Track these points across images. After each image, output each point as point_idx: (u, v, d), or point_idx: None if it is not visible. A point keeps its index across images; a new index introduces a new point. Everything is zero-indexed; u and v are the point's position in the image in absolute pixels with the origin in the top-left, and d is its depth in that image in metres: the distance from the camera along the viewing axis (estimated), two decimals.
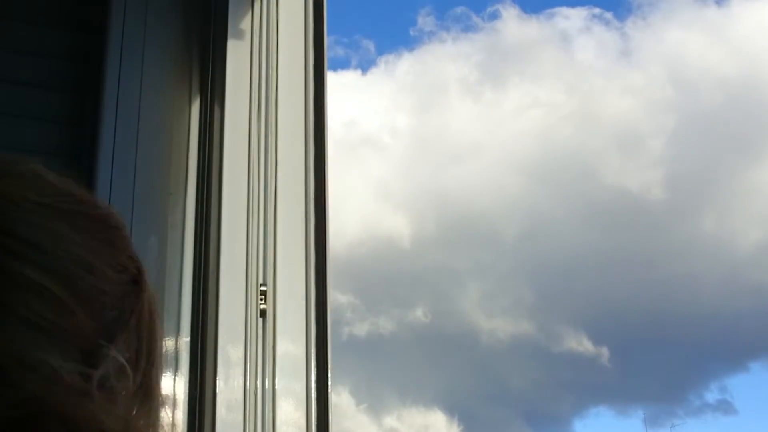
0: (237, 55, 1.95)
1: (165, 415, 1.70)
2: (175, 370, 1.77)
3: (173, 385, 1.76)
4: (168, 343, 1.79)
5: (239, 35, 1.97)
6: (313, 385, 1.75)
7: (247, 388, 1.71)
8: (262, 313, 1.77)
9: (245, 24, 1.99)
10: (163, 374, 1.77)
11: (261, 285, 1.77)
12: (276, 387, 1.72)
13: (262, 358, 1.73)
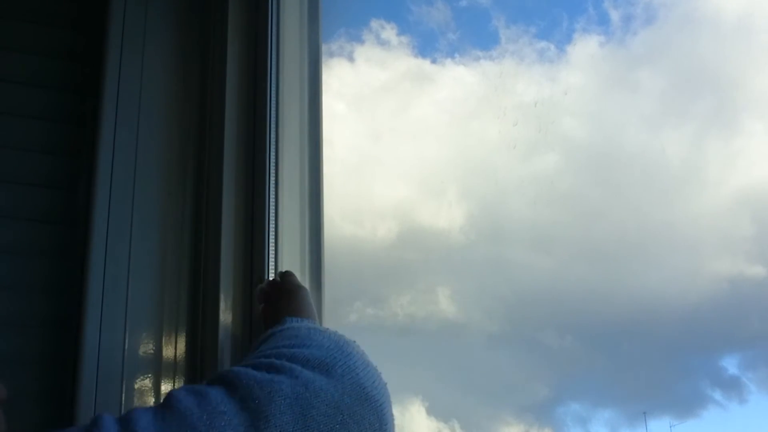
0: (237, 54, 1.96)
1: None
2: (174, 371, 1.77)
3: (173, 385, 1.76)
4: (167, 344, 1.79)
5: (239, 34, 1.97)
6: None
7: None
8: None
9: (245, 23, 1.99)
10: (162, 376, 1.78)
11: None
12: None
13: None
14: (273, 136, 1.88)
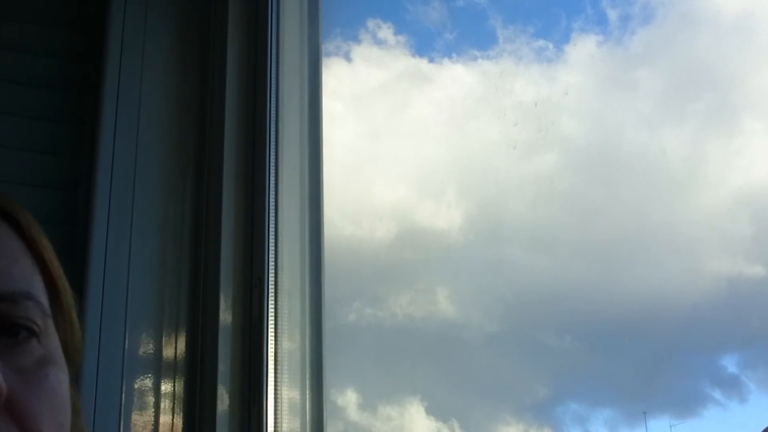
0: (237, 54, 1.96)
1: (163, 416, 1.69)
2: (174, 371, 1.77)
3: (173, 385, 1.76)
4: (167, 344, 1.79)
5: (239, 34, 1.97)
6: (308, 383, 1.76)
7: (246, 387, 1.72)
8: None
9: (245, 23, 1.99)
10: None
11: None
12: (275, 383, 1.73)
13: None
14: (273, 135, 1.88)
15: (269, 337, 1.73)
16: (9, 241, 0.68)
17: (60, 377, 0.66)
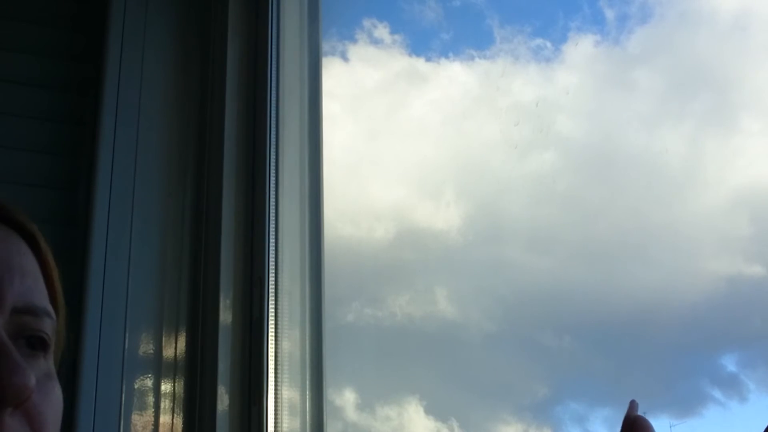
0: (237, 54, 1.96)
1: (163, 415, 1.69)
2: (174, 371, 1.77)
3: (173, 385, 1.76)
4: (167, 344, 1.79)
5: (239, 34, 1.97)
6: (308, 383, 1.76)
7: (246, 387, 1.72)
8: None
9: (245, 23, 1.99)
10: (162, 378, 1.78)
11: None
12: (275, 383, 1.73)
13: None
14: (273, 136, 1.89)
15: (269, 337, 1.73)
16: (32, 261, 0.75)
17: (60, 392, 0.73)
